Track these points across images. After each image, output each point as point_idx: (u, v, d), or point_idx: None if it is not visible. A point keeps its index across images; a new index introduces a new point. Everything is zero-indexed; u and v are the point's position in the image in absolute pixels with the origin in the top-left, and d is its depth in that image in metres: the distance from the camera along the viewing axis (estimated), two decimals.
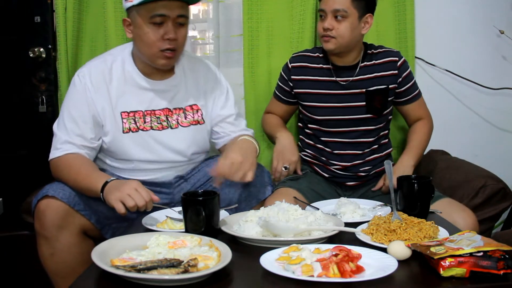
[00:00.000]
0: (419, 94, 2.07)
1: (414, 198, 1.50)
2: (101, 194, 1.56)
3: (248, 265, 1.20)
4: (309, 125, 2.05)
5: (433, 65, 2.48)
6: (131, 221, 1.68)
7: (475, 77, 2.48)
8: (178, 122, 1.81)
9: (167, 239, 1.28)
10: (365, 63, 1.98)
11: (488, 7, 2.48)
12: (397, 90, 2.01)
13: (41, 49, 2.35)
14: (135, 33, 1.71)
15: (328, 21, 1.89)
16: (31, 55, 2.32)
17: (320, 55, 2.03)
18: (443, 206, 1.68)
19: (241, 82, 2.40)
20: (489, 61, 2.51)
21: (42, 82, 2.37)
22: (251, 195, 1.73)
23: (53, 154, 1.72)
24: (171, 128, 1.80)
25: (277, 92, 2.13)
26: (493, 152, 2.53)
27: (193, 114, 1.84)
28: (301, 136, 2.14)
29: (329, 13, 1.88)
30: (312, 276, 1.09)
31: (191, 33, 2.51)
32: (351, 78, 1.97)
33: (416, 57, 2.43)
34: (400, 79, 1.99)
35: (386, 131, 2.08)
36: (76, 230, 1.63)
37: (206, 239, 1.29)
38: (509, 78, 2.51)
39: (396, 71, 1.97)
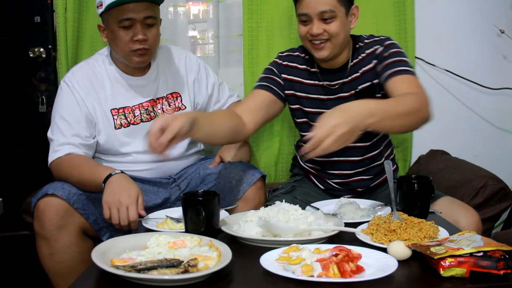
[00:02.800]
0: (406, 71, 1.69)
1: (414, 198, 1.50)
2: (103, 184, 1.58)
3: (248, 265, 1.20)
4: (303, 133, 1.90)
5: (433, 65, 2.48)
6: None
7: (475, 77, 2.48)
8: (163, 110, 1.91)
9: (167, 239, 1.28)
10: (354, 61, 1.81)
11: (488, 6, 2.48)
12: (378, 71, 1.76)
13: (41, 49, 2.35)
14: (109, 37, 1.80)
15: (316, 26, 1.70)
16: (31, 55, 2.33)
17: (306, 56, 1.88)
18: (445, 205, 1.66)
19: (241, 82, 2.40)
20: (489, 61, 2.50)
21: (42, 82, 2.38)
22: (242, 180, 1.77)
23: (53, 156, 1.73)
24: (158, 117, 1.86)
25: (260, 83, 1.86)
26: (493, 152, 2.53)
27: (174, 101, 1.93)
28: (300, 143, 2.01)
29: (314, 16, 1.70)
30: (312, 276, 1.09)
31: (191, 33, 2.51)
32: (341, 81, 1.81)
33: (416, 57, 2.43)
34: (381, 61, 1.75)
35: (383, 135, 1.92)
36: (75, 230, 1.63)
37: (206, 239, 1.29)
38: (509, 78, 2.51)
39: (376, 60, 1.77)
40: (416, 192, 1.50)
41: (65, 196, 1.61)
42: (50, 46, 2.35)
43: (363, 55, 1.81)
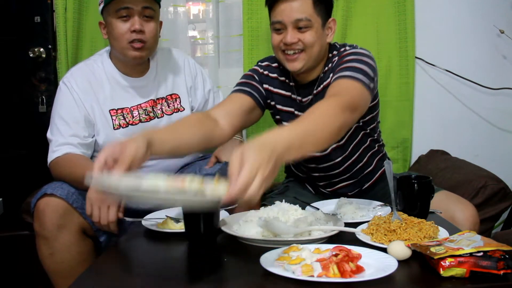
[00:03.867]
0: (349, 77, 1.53)
1: (414, 198, 1.50)
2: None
3: (248, 265, 1.20)
4: None
5: (433, 65, 2.48)
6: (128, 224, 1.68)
7: (475, 77, 2.48)
8: (162, 111, 1.91)
9: (164, 181, 1.10)
10: (325, 72, 1.73)
11: (488, 7, 2.48)
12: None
13: (41, 49, 2.35)
14: (108, 32, 1.81)
15: (290, 34, 1.61)
16: (31, 55, 2.33)
17: (281, 67, 1.79)
18: (441, 199, 1.65)
19: None
20: (489, 61, 2.51)
21: (42, 82, 2.38)
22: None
23: (51, 156, 1.75)
24: (157, 117, 1.89)
25: (242, 87, 1.76)
26: (493, 152, 2.53)
27: (173, 103, 1.93)
28: None
29: (289, 24, 1.62)
30: (312, 276, 1.09)
31: (191, 33, 2.51)
32: (311, 96, 1.74)
33: (416, 57, 2.43)
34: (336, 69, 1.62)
35: (369, 140, 1.83)
36: (75, 229, 1.63)
37: (208, 179, 1.11)
38: (509, 78, 2.51)
39: (332, 74, 1.66)
40: (416, 192, 1.50)
41: (64, 196, 1.61)
42: (50, 46, 2.35)
43: (326, 68, 1.72)
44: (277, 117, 1.85)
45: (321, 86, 1.71)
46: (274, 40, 1.67)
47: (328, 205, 1.68)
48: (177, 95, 1.95)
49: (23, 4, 2.34)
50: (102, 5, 1.77)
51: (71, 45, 2.29)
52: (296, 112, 1.78)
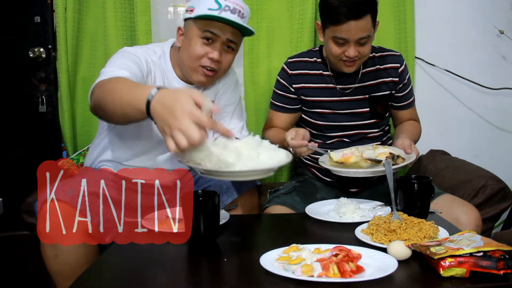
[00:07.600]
0: (414, 100, 2.05)
1: (414, 198, 1.50)
2: (147, 113, 1.21)
3: (248, 265, 1.20)
4: (310, 130, 1.99)
5: (433, 65, 2.48)
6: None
7: (475, 77, 2.48)
8: None
9: None
10: (367, 69, 1.95)
11: (488, 7, 2.48)
12: (396, 94, 1.99)
13: (41, 49, 2.35)
14: (184, 43, 1.72)
15: (352, 49, 1.79)
16: (31, 55, 2.33)
17: (318, 60, 1.97)
18: (445, 202, 1.69)
19: (241, 82, 2.40)
20: (489, 61, 2.51)
21: (42, 82, 2.38)
22: (230, 188, 1.73)
23: (99, 79, 1.52)
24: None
25: (277, 102, 2.02)
26: (493, 152, 2.53)
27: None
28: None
29: (352, 41, 1.78)
30: (312, 276, 1.09)
31: None
32: (353, 86, 1.94)
33: (416, 57, 2.43)
34: (400, 85, 1.97)
35: (388, 127, 2.08)
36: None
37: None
38: (509, 78, 2.52)
39: (397, 78, 1.96)
40: (416, 192, 1.50)
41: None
42: (50, 46, 2.35)
43: (382, 66, 1.96)
44: (311, 110, 1.98)
45: (363, 83, 1.94)
46: (335, 51, 1.82)
47: (328, 205, 1.68)
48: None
49: (23, 4, 2.34)
50: (190, 15, 1.68)
51: (71, 45, 2.29)
52: (335, 99, 1.95)
